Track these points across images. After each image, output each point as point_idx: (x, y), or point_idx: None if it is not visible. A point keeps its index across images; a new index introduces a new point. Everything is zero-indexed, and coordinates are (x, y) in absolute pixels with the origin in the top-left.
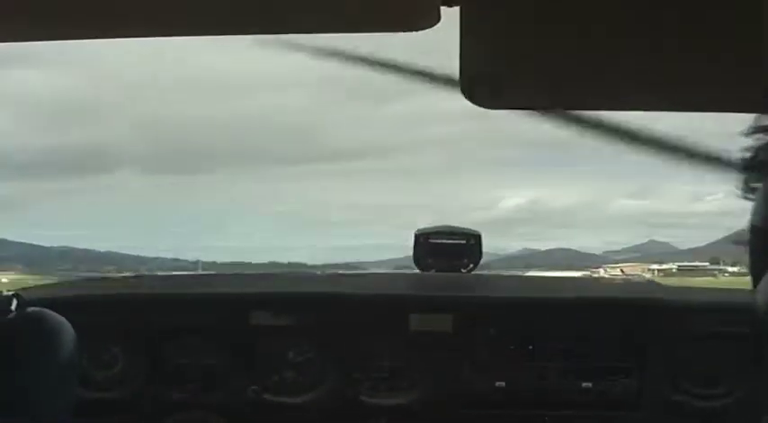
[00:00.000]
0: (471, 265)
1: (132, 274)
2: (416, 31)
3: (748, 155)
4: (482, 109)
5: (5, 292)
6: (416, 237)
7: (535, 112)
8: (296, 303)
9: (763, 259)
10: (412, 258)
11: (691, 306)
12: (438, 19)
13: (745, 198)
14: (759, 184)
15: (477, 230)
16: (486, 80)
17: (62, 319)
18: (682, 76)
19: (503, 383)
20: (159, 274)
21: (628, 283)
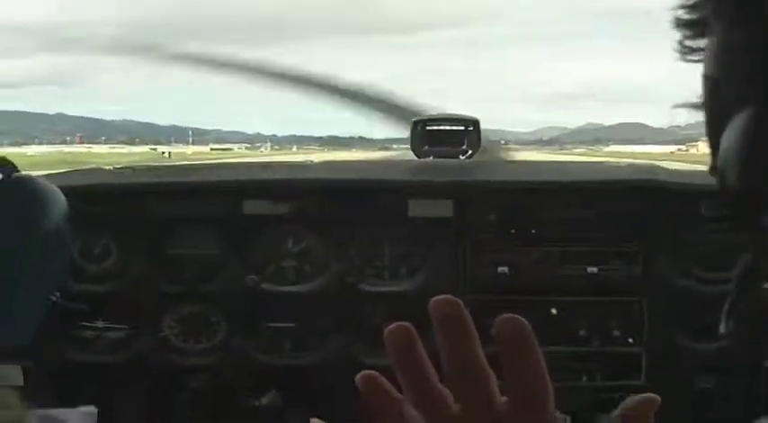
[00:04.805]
0: (470, 152)
1: (123, 165)
2: None
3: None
4: None
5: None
6: (414, 124)
7: None
8: (291, 190)
9: (717, 116)
10: None
11: (695, 189)
12: None
13: (685, 60)
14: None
15: (476, 117)
16: None
17: (52, 186)
18: None
19: (505, 269)
20: (151, 164)
21: (631, 166)
